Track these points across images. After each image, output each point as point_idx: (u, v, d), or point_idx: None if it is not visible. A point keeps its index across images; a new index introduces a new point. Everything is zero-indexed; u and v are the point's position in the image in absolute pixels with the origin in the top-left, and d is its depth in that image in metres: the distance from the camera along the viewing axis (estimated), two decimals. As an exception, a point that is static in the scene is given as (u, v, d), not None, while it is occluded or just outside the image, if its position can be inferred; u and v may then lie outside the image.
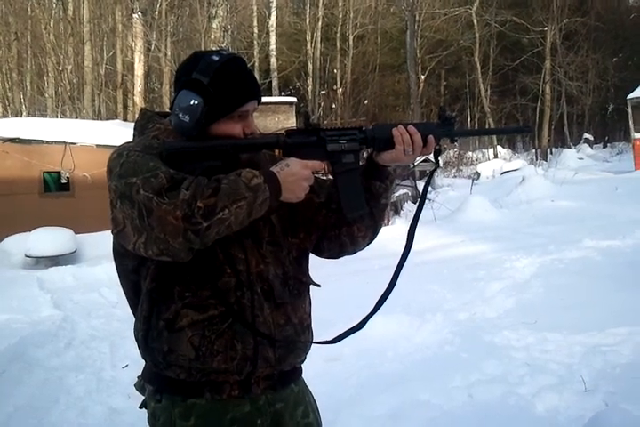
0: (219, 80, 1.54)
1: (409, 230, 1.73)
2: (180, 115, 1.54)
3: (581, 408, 3.34)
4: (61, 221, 9.78)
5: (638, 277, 5.66)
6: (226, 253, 1.56)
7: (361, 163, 1.68)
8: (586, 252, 7.04)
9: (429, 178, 1.88)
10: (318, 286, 1.75)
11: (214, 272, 1.55)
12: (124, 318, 5.29)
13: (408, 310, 5.23)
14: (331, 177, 1.67)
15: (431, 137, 1.65)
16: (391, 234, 6.18)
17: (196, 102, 1.52)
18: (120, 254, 1.60)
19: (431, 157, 1.73)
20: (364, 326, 1.70)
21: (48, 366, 4.62)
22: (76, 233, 9.68)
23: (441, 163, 17.87)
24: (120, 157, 1.46)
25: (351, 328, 1.70)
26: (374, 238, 1.78)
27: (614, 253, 6.83)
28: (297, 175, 1.50)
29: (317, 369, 3.64)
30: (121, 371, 4.45)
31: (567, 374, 3.78)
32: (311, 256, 1.78)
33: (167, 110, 1.68)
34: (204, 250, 1.45)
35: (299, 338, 1.65)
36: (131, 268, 1.59)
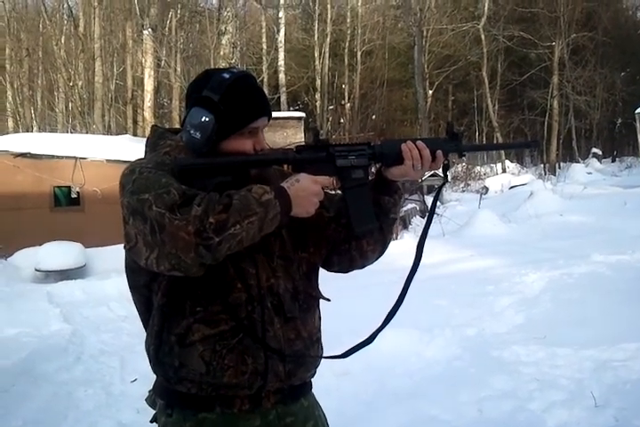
0: (229, 97, 1.56)
1: (417, 246, 1.74)
2: (192, 131, 1.56)
3: (592, 424, 3.32)
4: (71, 235, 9.82)
5: (648, 291, 5.63)
6: (237, 268, 1.57)
7: (370, 177, 1.69)
8: (595, 266, 7.00)
9: (438, 193, 1.89)
10: (328, 300, 1.76)
11: (225, 287, 1.56)
12: (133, 332, 5.30)
13: (417, 325, 5.21)
14: (339, 192, 1.68)
15: (440, 152, 1.66)
16: (400, 248, 6.18)
17: (207, 119, 1.54)
18: (132, 270, 1.61)
19: (440, 171, 1.74)
20: (373, 340, 1.71)
21: (57, 380, 4.63)
22: (85, 247, 9.71)
23: (449, 177, 17.88)
24: (132, 174, 1.48)
25: (361, 343, 1.71)
26: (384, 253, 1.79)
27: (624, 268, 6.80)
28: (307, 190, 1.51)
29: (327, 384, 3.64)
30: (130, 385, 4.45)
31: (577, 390, 3.75)
32: (321, 270, 1.78)
33: (178, 126, 1.70)
34: (215, 265, 1.46)
35: (308, 352, 1.66)
36: (142, 283, 1.61)
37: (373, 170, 1.74)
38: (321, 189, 1.55)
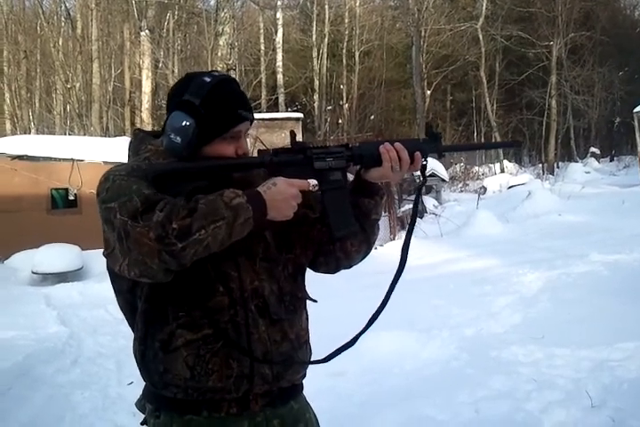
0: (210, 101, 1.54)
1: (402, 250, 1.75)
2: (172, 136, 1.54)
3: (589, 424, 3.31)
4: (69, 237, 9.80)
5: (646, 291, 5.62)
6: (218, 272, 1.55)
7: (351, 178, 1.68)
8: (593, 266, 7.00)
9: (417, 196, 1.89)
10: (315, 301, 1.75)
11: (207, 291, 1.54)
12: (130, 334, 5.28)
13: (414, 325, 5.21)
14: None
15: (418, 154, 1.65)
16: (398, 248, 6.18)
17: (188, 124, 1.52)
18: (115, 274, 1.59)
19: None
20: (354, 343, 1.70)
21: (54, 383, 4.63)
22: (83, 249, 9.69)
23: (447, 177, 17.84)
24: (106, 182, 1.48)
25: (342, 346, 1.70)
26: (369, 252, 1.79)
27: (622, 267, 6.79)
28: (284, 194, 1.49)
29: (321, 385, 3.62)
30: (126, 388, 4.43)
31: (575, 390, 3.74)
32: (309, 272, 1.77)
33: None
34: (195, 269, 1.45)
35: (296, 353, 1.65)
36: (126, 288, 1.60)
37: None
38: (299, 191, 1.52)
